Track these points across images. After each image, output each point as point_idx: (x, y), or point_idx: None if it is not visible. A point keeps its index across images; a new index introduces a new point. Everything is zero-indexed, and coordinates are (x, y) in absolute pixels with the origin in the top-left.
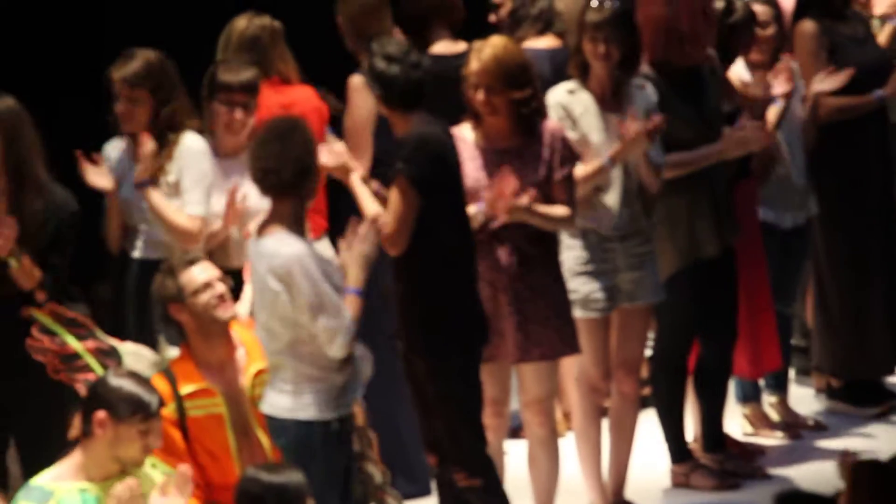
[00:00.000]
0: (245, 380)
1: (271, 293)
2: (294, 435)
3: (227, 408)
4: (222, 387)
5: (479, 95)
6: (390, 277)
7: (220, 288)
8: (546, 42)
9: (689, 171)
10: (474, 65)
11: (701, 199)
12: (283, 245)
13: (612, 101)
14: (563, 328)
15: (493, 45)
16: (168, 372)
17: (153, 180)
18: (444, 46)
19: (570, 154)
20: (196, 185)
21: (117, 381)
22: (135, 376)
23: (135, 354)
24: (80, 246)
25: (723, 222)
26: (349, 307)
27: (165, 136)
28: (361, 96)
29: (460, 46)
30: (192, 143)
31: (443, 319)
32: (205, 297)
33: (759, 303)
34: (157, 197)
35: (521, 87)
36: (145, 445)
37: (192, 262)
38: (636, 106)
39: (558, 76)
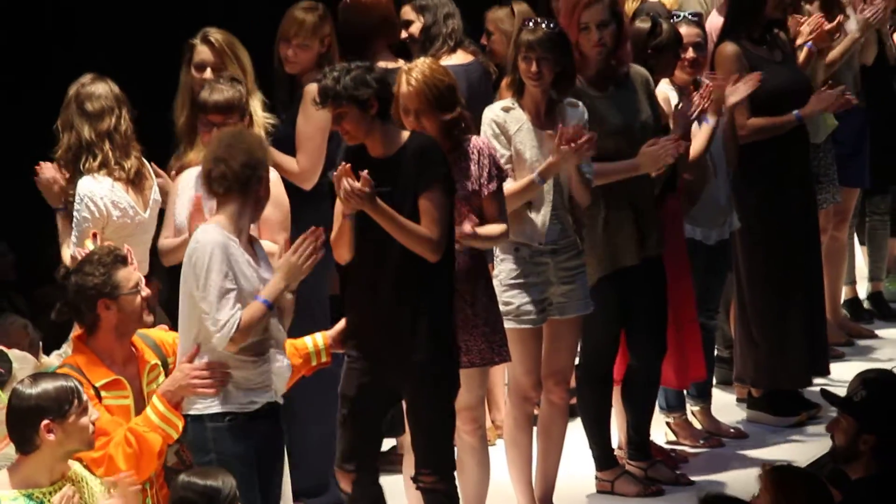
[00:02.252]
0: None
1: (184, 279)
2: (189, 430)
3: (133, 400)
4: (126, 380)
5: (410, 118)
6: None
7: (146, 291)
8: (459, 58)
9: (606, 182)
10: (404, 88)
11: (622, 211)
12: (203, 233)
13: (545, 118)
14: (491, 337)
15: (422, 68)
16: (72, 367)
17: (65, 206)
18: (385, 64)
19: (498, 169)
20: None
21: (37, 388)
22: (40, 375)
23: (22, 359)
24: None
25: (644, 235)
26: (248, 312)
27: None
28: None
29: (400, 63)
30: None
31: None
32: (137, 298)
33: (684, 315)
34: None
35: (450, 108)
36: (88, 425)
37: (122, 260)
38: (569, 123)
39: (472, 91)
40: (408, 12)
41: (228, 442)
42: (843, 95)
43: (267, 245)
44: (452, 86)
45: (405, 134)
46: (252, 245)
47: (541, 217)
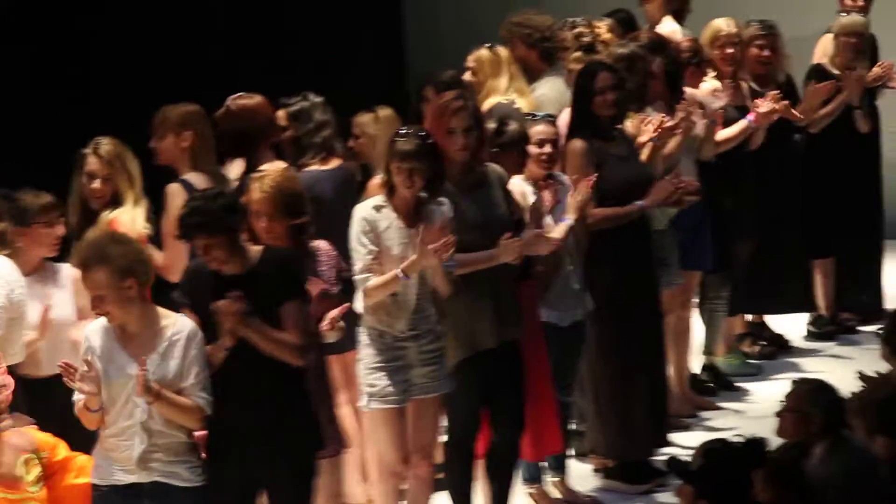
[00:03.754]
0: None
1: None
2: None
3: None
4: None
5: (262, 223)
6: None
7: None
8: (326, 163)
9: (467, 271)
10: (257, 194)
11: (482, 298)
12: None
13: (414, 217)
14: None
15: (273, 175)
16: None
17: None
18: (271, 166)
19: (339, 273)
20: None
21: None
22: None
23: None
24: None
25: (502, 320)
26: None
27: None
28: (181, 201)
29: (282, 164)
30: None
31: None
32: (2, 395)
33: (540, 392)
34: None
35: (299, 213)
36: None
37: None
38: (434, 221)
39: (338, 193)
40: (281, 117)
41: None
42: (680, 187)
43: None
44: (301, 193)
45: (256, 250)
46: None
47: (406, 307)
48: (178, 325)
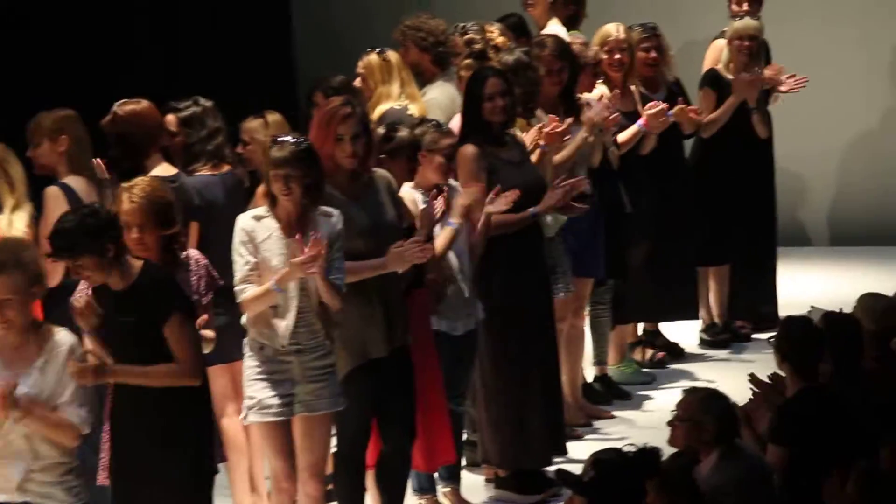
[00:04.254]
0: None
1: None
2: None
3: None
4: None
5: (132, 234)
6: None
7: None
8: (216, 168)
9: (357, 279)
10: (126, 205)
11: (371, 306)
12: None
13: (296, 227)
14: None
15: (142, 186)
16: None
17: None
18: (162, 170)
19: (211, 279)
20: None
21: None
22: None
23: None
24: None
25: (392, 328)
26: None
27: None
28: (59, 205)
29: (173, 170)
30: None
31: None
32: None
33: (432, 402)
34: None
35: (169, 224)
36: None
37: None
38: (321, 233)
39: (230, 199)
40: (171, 122)
41: None
42: (572, 193)
43: None
44: (171, 202)
45: (138, 264)
46: None
47: (285, 322)
48: (57, 338)
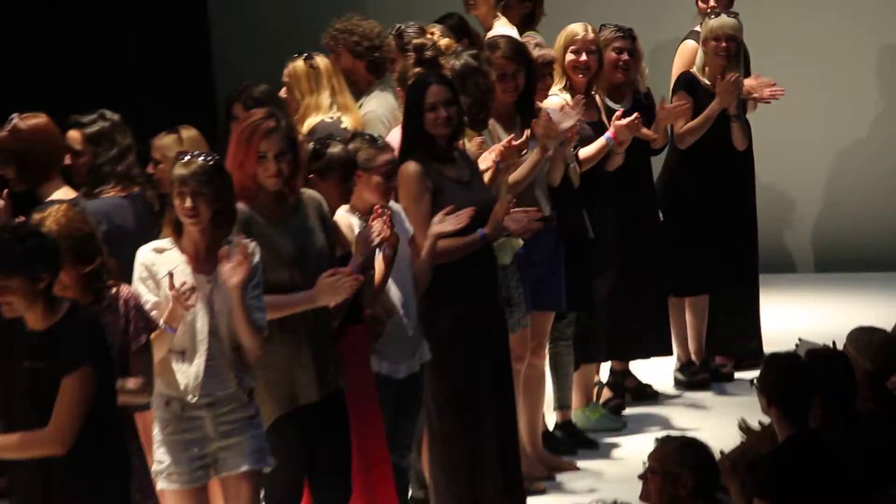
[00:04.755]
0: None
1: None
2: None
3: None
4: None
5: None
6: None
7: None
8: (123, 189)
9: (281, 315)
10: None
11: (301, 344)
12: None
13: (206, 260)
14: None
15: (56, 217)
16: None
17: None
18: (62, 193)
19: (146, 321)
20: None
21: None
22: None
23: None
24: None
25: (325, 369)
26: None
27: None
28: None
29: (74, 194)
30: None
31: None
32: None
33: (373, 456)
34: None
35: (90, 259)
36: None
37: None
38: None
39: (140, 224)
40: (75, 139)
41: None
42: (533, 224)
43: None
44: (93, 233)
45: (64, 304)
46: None
47: (193, 369)
48: None
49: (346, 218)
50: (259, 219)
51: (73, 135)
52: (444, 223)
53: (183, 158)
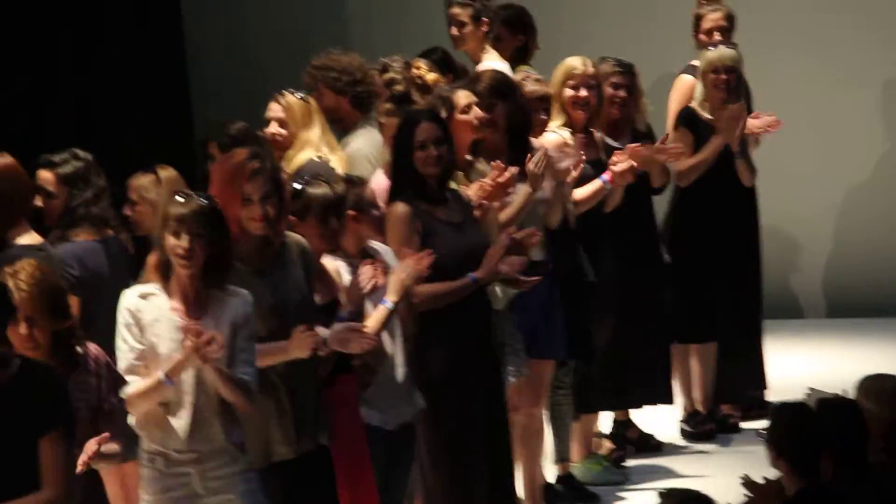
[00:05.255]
0: None
1: None
2: None
3: None
4: None
5: (21, 329)
6: None
7: None
8: (96, 233)
9: (264, 365)
10: (16, 295)
11: (277, 397)
12: None
13: (195, 307)
14: None
15: (30, 270)
16: None
17: None
18: (29, 239)
19: (116, 379)
20: None
21: None
22: None
23: None
24: None
25: (304, 425)
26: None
27: None
28: None
29: (40, 238)
30: None
31: None
32: None
33: None
34: None
35: (65, 315)
36: None
37: None
38: (222, 317)
39: (115, 269)
40: (48, 180)
41: None
42: (523, 265)
43: None
44: (64, 289)
45: (16, 361)
46: None
47: (181, 422)
48: None
49: (332, 263)
50: (240, 266)
51: (45, 175)
52: (406, 270)
53: (181, 195)
